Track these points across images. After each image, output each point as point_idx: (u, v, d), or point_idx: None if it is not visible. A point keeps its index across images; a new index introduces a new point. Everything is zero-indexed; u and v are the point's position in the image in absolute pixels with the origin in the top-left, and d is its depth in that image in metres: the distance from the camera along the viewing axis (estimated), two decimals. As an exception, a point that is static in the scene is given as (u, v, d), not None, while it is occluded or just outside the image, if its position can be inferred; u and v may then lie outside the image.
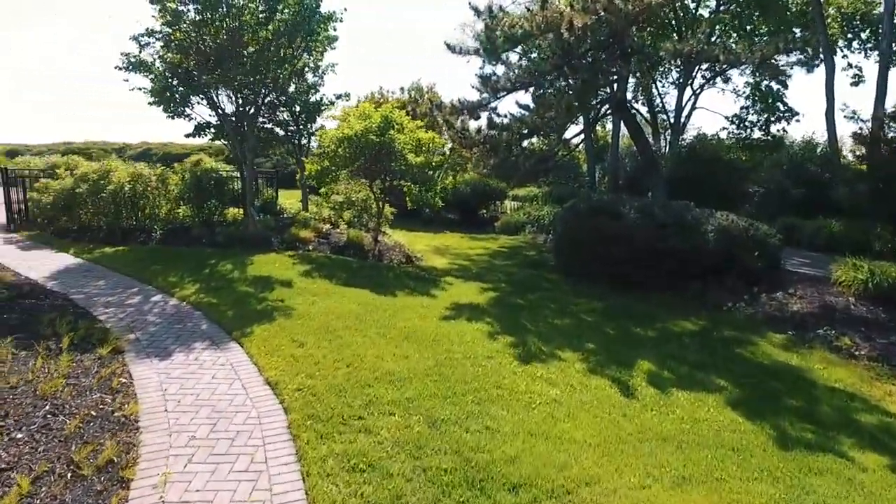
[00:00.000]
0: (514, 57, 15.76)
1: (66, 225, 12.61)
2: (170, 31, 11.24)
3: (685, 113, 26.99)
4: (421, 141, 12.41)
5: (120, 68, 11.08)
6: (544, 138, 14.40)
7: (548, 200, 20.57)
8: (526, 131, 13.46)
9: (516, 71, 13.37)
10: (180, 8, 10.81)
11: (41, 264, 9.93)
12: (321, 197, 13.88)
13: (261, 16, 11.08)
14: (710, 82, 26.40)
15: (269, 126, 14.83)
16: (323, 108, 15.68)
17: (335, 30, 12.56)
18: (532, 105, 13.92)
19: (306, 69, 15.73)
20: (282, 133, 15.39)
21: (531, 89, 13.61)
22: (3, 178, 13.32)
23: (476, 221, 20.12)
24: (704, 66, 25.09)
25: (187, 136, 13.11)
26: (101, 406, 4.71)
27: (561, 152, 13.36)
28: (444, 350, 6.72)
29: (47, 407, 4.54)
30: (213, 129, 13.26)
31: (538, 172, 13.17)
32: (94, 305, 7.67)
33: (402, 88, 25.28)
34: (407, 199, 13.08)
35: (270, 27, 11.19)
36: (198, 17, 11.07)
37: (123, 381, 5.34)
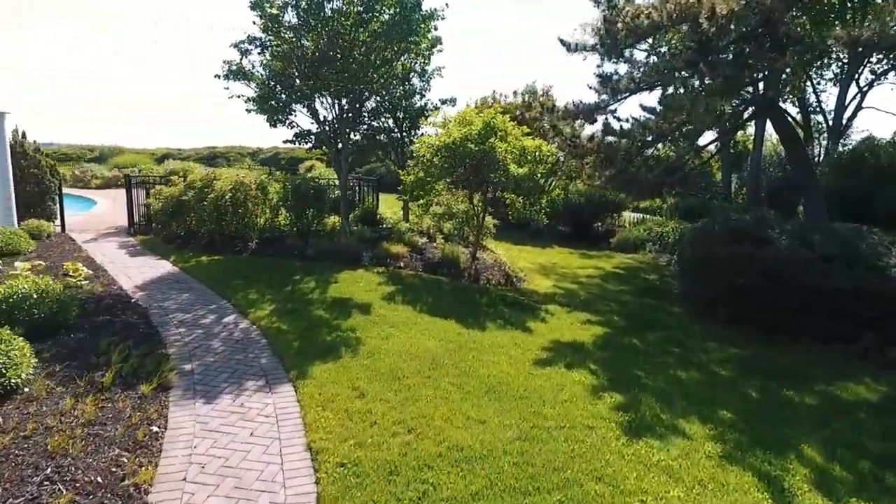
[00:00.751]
0: (639, 54, 13.94)
1: (175, 231, 12.89)
2: (271, 37, 10.96)
3: (848, 113, 23.03)
4: (526, 149, 11.11)
5: (219, 77, 11.01)
6: (672, 146, 12.47)
7: (673, 214, 18.24)
8: (650, 138, 11.66)
9: (641, 69, 11.62)
10: (280, 13, 10.44)
11: (139, 272, 9.99)
12: (420, 208, 13.07)
13: (359, 17, 10.41)
14: (883, 76, 22.24)
15: (371, 133, 14.28)
16: (427, 113, 14.88)
17: (436, 29, 11.64)
18: (658, 108, 12.08)
19: (412, 74, 15.07)
20: (384, 140, 14.80)
21: (658, 90, 11.80)
22: (127, 184, 13.97)
23: (590, 235, 18.33)
24: (875, 59, 21.19)
25: (286, 142, 12.90)
26: (113, 469, 4.02)
27: (692, 162, 11.38)
28: (532, 412, 5.43)
29: (50, 469, 3.91)
30: (312, 137, 12.93)
31: (662, 185, 11.31)
32: (166, 324, 7.31)
33: (515, 92, 24.01)
34: (509, 213, 11.83)
35: (369, 28, 10.51)
36: (298, 22, 10.67)
37: (155, 429, 4.67)
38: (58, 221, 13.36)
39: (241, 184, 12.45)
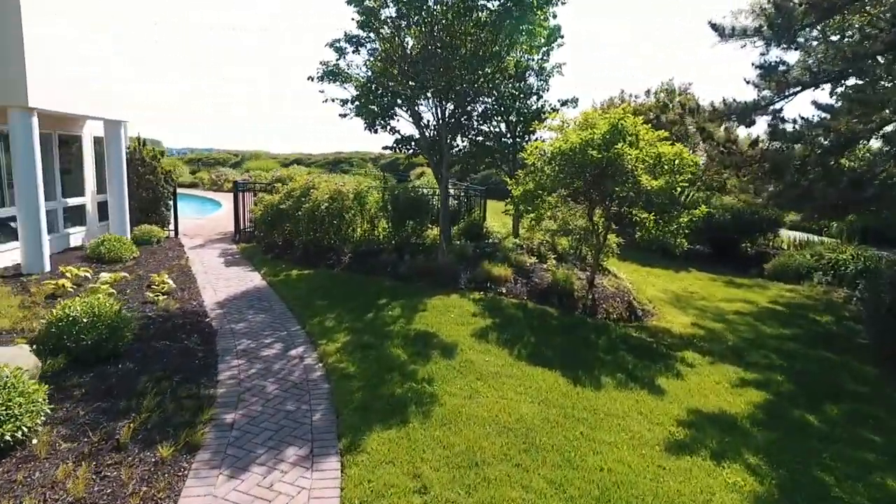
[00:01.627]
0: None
1: (274, 240, 12.49)
2: (371, 35, 10.03)
3: None
4: (662, 157, 9.12)
5: (313, 79, 10.27)
6: (860, 152, 9.73)
7: (852, 237, 14.86)
8: (827, 142, 9.10)
9: (818, 56, 9.12)
10: (378, 6, 9.45)
11: (226, 285, 9.48)
12: (530, 222, 11.52)
13: (464, 4, 9.12)
14: None
15: (481, 139, 12.98)
16: (544, 115, 13.26)
17: (555, 17, 10.03)
18: (839, 104, 9.46)
19: (528, 72, 13.54)
20: (494, 146, 13.42)
21: (838, 82, 9.20)
22: (234, 190, 13.90)
23: (735, 258, 15.52)
24: None
25: (385, 148, 11.96)
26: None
27: (889, 171, 8.67)
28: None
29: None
30: (413, 143, 11.89)
31: (848, 204, 8.71)
32: (228, 353, 6.47)
33: (647, 91, 21.47)
34: (638, 233, 9.86)
35: (474, 17, 9.18)
36: (398, 16, 9.62)
37: (154, 517, 3.63)
38: (171, 226, 13.55)
39: (339, 193, 11.70)
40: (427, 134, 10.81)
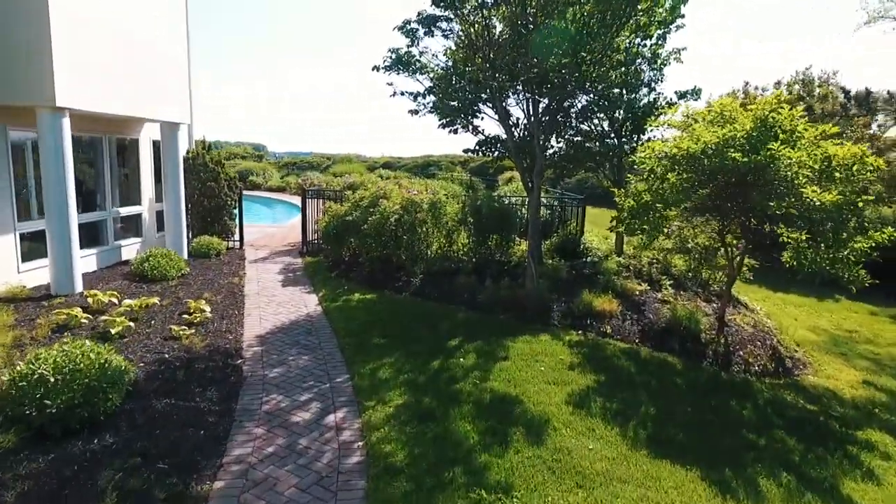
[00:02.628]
0: None
1: (341, 255, 11.15)
2: (450, 14, 8.35)
3: None
4: (833, 161, 6.72)
5: (378, 68, 8.70)
6: None
7: None
8: None
9: None
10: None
11: (275, 311, 8.16)
12: (641, 240, 9.36)
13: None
14: None
15: (580, 139, 10.92)
16: (658, 111, 11.00)
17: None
18: None
19: (638, 59, 11.31)
20: (596, 148, 11.30)
21: None
22: (302, 197, 12.77)
23: (900, 285, 12.34)
24: None
25: (466, 152, 10.23)
26: None
27: None
28: None
29: None
30: (499, 145, 10.08)
31: None
32: (248, 417, 5.00)
33: (778, 83, 18.24)
34: (789, 259, 7.44)
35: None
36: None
37: None
38: (237, 236, 12.62)
39: (411, 203, 10.12)
40: (516, 134, 8.97)
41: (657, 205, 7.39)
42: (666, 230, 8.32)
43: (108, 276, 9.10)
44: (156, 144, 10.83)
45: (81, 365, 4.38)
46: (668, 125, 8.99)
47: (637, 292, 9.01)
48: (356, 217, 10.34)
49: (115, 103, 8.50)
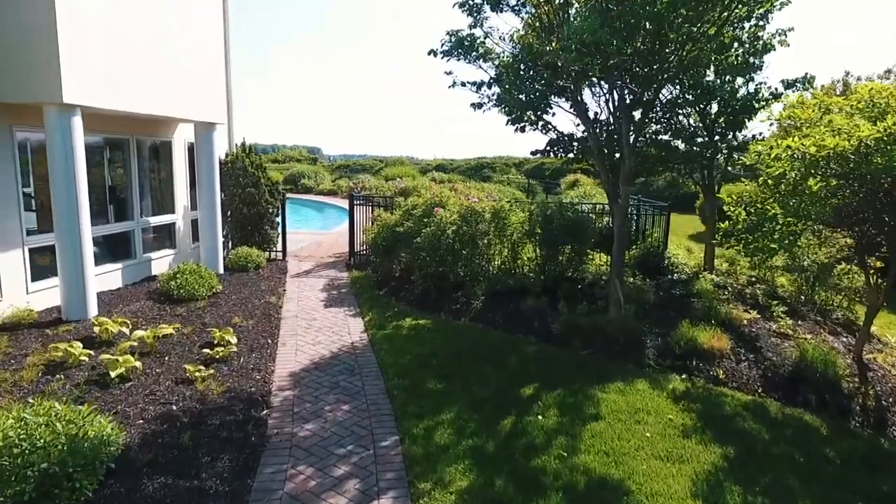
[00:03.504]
0: None
1: (391, 270, 9.95)
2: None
3: None
4: None
5: (434, 53, 7.40)
6: None
7: None
8: None
9: None
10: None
11: (314, 340, 7.00)
12: (751, 255, 7.70)
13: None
14: None
15: (664, 137, 9.32)
16: (759, 104, 9.28)
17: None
18: None
19: (735, 43, 9.61)
20: (683, 147, 9.66)
21: None
22: (350, 203, 11.66)
23: None
24: None
25: (534, 153, 8.81)
26: None
27: None
28: None
29: None
30: (575, 144, 8.61)
31: None
32: (263, 502, 3.79)
33: (888, 72, 15.89)
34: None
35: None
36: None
37: None
38: (278, 247, 11.63)
39: (472, 212, 8.79)
40: (596, 130, 7.49)
41: (790, 218, 5.77)
42: (796, 248, 6.66)
43: (132, 296, 8.17)
44: (191, 147, 9.92)
45: (42, 440, 3.26)
46: (790, 117, 7.30)
47: (745, 322, 7.36)
48: (408, 228, 9.10)
49: (137, 100, 7.55)
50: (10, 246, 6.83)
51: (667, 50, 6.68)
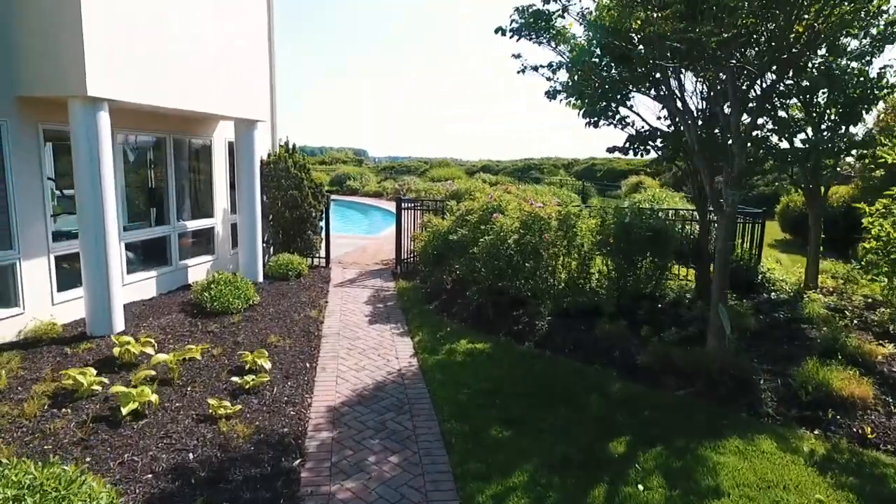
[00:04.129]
0: None
1: (441, 281, 8.99)
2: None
3: None
4: None
5: (502, 31, 6.35)
6: None
7: None
8: None
9: None
10: None
11: (356, 365, 6.09)
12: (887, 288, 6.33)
13: None
14: None
15: (766, 133, 7.98)
16: (882, 91, 7.86)
17: None
18: None
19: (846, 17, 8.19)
20: (784, 144, 8.28)
21: None
22: (397, 208, 10.77)
23: None
24: None
25: (611, 150, 7.64)
26: None
27: None
28: None
29: None
30: (659, 140, 7.42)
31: None
32: None
33: None
34: None
35: None
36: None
37: None
38: (321, 253, 10.85)
39: (536, 218, 7.73)
40: (689, 122, 6.28)
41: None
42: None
43: (164, 307, 7.48)
44: (232, 147, 9.23)
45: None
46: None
47: (881, 357, 6.01)
48: (462, 236, 8.11)
49: (170, 95, 6.84)
50: (35, 253, 6.21)
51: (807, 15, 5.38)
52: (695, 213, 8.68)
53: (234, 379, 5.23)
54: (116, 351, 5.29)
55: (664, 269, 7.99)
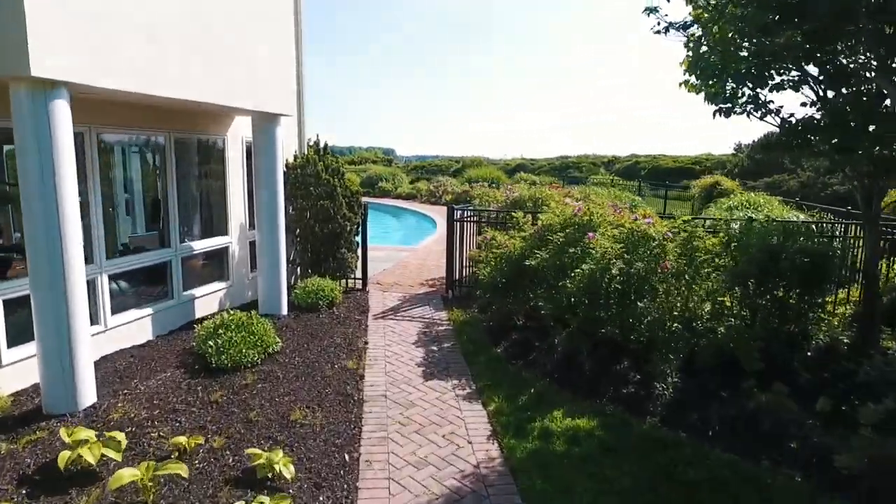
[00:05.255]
0: None
1: (509, 312, 7.10)
2: None
3: None
4: None
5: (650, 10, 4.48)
6: None
7: None
8: None
9: None
10: None
11: (414, 456, 4.26)
12: None
13: None
14: None
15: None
16: None
17: None
18: None
19: None
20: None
21: None
22: (448, 218, 8.92)
23: None
24: None
25: (765, 146, 5.65)
26: None
27: None
28: None
29: None
30: (814, 129, 5.39)
31: None
32: None
33: None
34: None
35: None
36: None
37: None
38: (357, 272, 9.08)
39: (643, 237, 5.79)
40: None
41: None
42: None
43: (158, 359, 5.75)
44: (251, 148, 7.49)
45: None
46: None
47: None
48: (544, 261, 6.20)
49: (159, 79, 5.09)
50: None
51: None
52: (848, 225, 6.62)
53: (260, 473, 3.42)
54: (63, 458, 3.51)
55: (818, 307, 5.94)
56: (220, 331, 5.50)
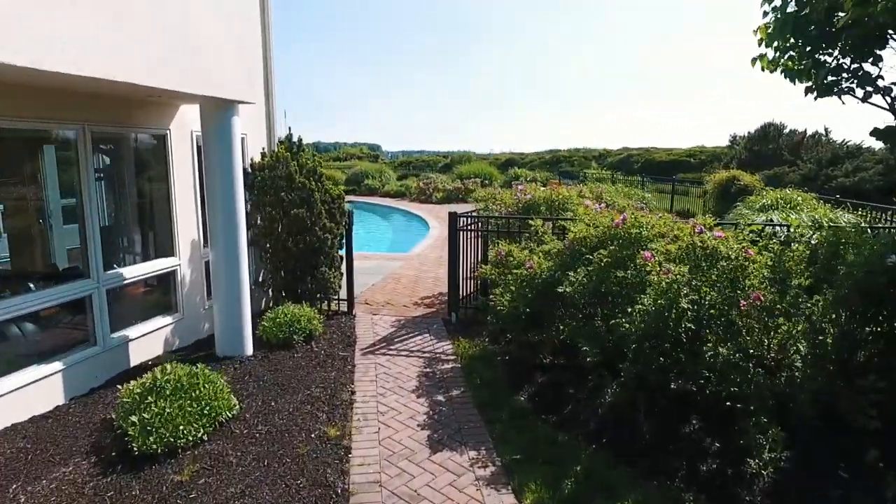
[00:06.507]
0: None
1: (530, 349, 5.67)
2: None
3: None
4: None
5: None
6: None
7: None
8: None
9: None
10: None
11: None
12: None
13: None
14: None
15: None
16: None
17: None
18: None
19: None
20: None
21: None
22: (451, 228, 7.45)
23: None
24: None
25: (882, 137, 4.27)
26: None
27: None
28: None
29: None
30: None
31: None
32: None
33: None
34: None
35: None
36: None
37: None
38: (341, 293, 7.59)
39: (711, 253, 4.38)
40: None
41: None
42: None
43: (59, 441, 4.17)
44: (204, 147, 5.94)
45: None
46: None
47: None
48: (582, 284, 4.76)
49: (53, 47, 3.56)
50: None
51: None
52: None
53: None
54: None
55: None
56: (150, 398, 3.99)
